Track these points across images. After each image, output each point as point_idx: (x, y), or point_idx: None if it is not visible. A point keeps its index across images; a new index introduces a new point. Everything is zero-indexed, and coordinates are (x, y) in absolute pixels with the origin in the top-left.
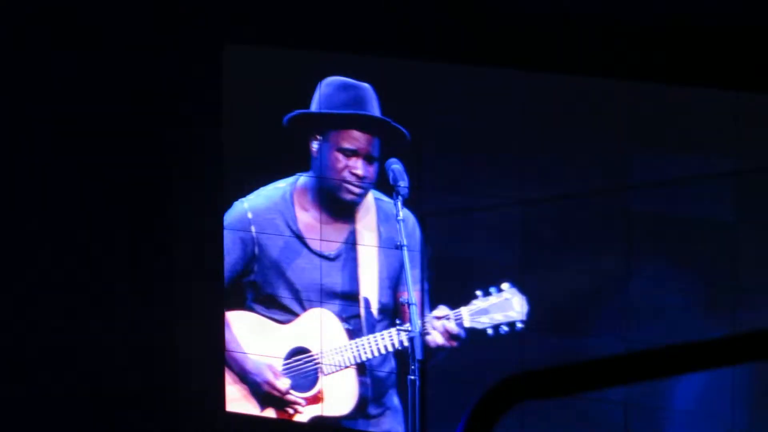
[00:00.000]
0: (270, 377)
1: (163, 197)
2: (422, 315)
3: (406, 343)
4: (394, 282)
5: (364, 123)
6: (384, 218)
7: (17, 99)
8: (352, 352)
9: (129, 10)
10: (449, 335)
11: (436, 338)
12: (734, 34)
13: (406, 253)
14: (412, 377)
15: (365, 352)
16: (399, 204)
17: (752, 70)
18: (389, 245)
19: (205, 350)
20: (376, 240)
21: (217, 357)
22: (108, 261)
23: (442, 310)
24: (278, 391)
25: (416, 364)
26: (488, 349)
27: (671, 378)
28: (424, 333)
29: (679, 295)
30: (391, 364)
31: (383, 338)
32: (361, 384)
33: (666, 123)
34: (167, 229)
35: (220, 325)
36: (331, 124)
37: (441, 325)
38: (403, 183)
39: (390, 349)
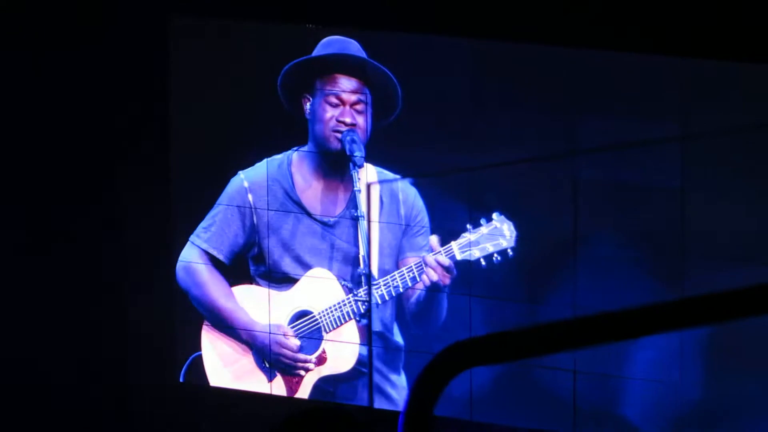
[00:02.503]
0: (280, 338)
1: (109, 175)
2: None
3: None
4: (395, 250)
5: (344, 65)
6: (386, 188)
7: None
8: (328, 318)
9: None
10: (442, 269)
11: (430, 275)
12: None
13: (362, 224)
14: (368, 347)
15: (340, 316)
16: (356, 175)
17: (696, 35)
18: (391, 213)
19: (155, 322)
20: (377, 208)
21: (167, 329)
22: (54, 239)
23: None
24: (289, 349)
25: (373, 335)
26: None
27: (619, 344)
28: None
29: (626, 262)
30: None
31: (342, 306)
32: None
33: (612, 89)
34: (116, 201)
35: (171, 298)
36: (315, 74)
37: (432, 260)
38: (359, 153)
39: (348, 318)
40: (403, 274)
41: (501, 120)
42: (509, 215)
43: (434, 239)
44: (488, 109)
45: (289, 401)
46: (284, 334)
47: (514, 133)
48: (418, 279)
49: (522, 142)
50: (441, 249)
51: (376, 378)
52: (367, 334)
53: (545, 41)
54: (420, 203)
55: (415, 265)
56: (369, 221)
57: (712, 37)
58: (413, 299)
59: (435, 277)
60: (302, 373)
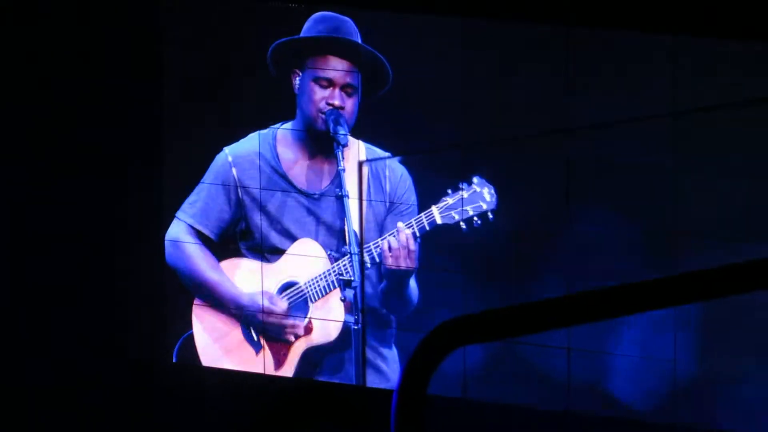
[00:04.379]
0: (266, 303)
1: (100, 146)
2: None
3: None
4: (379, 226)
5: (339, 48)
6: (371, 165)
7: None
8: (313, 288)
9: None
10: (405, 252)
11: (389, 258)
12: None
13: (346, 202)
14: (356, 327)
15: (325, 285)
16: (340, 154)
17: (689, 12)
18: (376, 190)
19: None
20: (342, 184)
21: (158, 308)
22: (44, 224)
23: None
24: (276, 314)
25: (359, 314)
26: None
27: (612, 321)
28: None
29: (619, 239)
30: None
31: (327, 276)
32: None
33: (604, 67)
34: (108, 173)
35: (162, 278)
36: (307, 51)
37: (395, 242)
38: (343, 131)
39: (334, 287)
40: (386, 239)
41: (490, 97)
42: (498, 190)
43: (401, 224)
44: (478, 87)
45: (279, 380)
46: (270, 299)
47: (503, 111)
48: (396, 245)
49: (512, 119)
50: (413, 222)
51: (354, 357)
52: (355, 311)
53: (537, 19)
54: (408, 182)
55: (396, 230)
56: (361, 200)
57: (703, 14)
58: (381, 285)
59: (392, 262)
60: (291, 338)
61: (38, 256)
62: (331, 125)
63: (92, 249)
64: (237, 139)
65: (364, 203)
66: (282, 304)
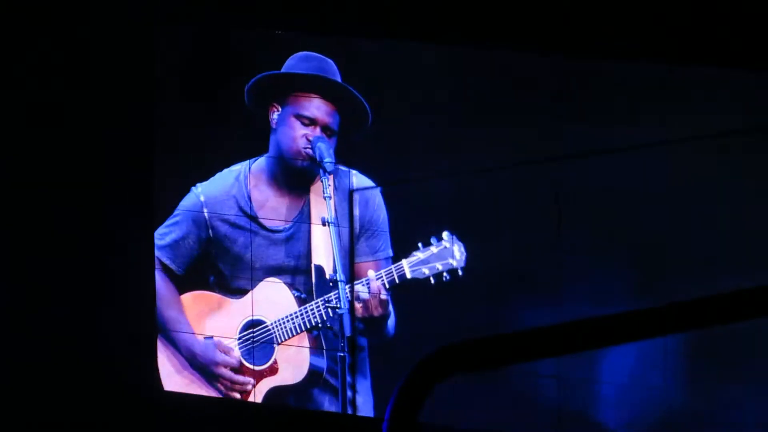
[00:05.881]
0: (217, 357)
1: (92, 175)
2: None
3: (332, 315)
4: (346, 252)
5: (324, 88)
6: (338, 190)
7: None
8: (280, 329)
9: None
10: (375, 303)
11: (358, 310)
12: (662, 4)
13: (333, 230)
14: (341, 354)
15: (292, 327)
16: (326, 181)
17: (680, 41)
18: (343, 216)
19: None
20: (329, 211)
21: (148, 335)
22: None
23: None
24: (227, 369)
25: (345, 341)
26: (423, 323)
27: (603, 350)
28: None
29: (609, 268)
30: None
31: (311, 312)
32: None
33: (595, 95)
34: (97, 203)
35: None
36: (292, 87)
37: (357, 293)
38: (329, 159)
39: (317, 322)
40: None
41: (477, 128)
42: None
43: (372, 273)
44: (465, 118)
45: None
46: (222, 351)
47: (490, 142)
48: (366, 296)
49: (498, 150)
50: (383, 272)
51: (339, 385)
52: (341, 338)
53: (524, 48)
54: (378, 200)
55: (367, 279)
56: (352, 228)
57: (695, 43)
58: (358, 315)
59: (360, 312)
60: (236, 396)
61: (35, 263)
62: (317, 151)
63: (86, 269)
64: (224, 165)
65: (333, 229)
66: (231, 360)
